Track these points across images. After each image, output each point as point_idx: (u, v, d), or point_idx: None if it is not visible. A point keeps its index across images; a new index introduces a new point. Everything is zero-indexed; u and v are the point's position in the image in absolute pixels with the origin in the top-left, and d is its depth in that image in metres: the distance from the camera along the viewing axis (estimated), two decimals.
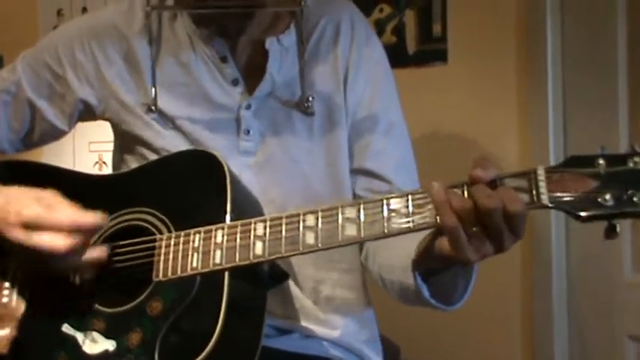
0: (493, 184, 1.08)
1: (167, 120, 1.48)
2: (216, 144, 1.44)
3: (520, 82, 2.57)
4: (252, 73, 1.49)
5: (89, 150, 3.07)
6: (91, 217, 1.25)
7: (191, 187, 1.33)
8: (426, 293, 1.24)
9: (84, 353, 1.27)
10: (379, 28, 2.74)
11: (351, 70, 1.52)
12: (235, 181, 1.31)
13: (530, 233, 2.51)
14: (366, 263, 1.50)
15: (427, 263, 1.21)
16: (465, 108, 2.64)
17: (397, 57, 2.67)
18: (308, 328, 1.48)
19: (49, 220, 1.24)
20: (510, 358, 2.61)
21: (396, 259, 1.32)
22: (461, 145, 2.62)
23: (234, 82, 1.48)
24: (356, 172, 1.51)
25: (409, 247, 1.24)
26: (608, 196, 1.04)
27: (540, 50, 2.52)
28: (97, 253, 1.30)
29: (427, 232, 1.17)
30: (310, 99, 1.47)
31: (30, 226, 1.25)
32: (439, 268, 1.22)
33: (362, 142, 1.51)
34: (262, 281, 1.30)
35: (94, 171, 3.03)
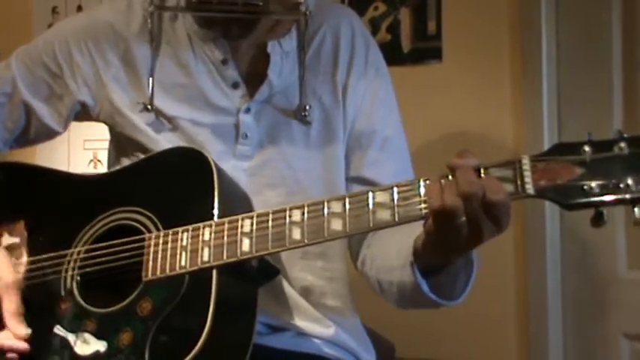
0: (477, 172, 1.08)
1: (164, 121, 1.47)
2: (213, 147, 1.43)
3: (515, 79, 2.58)
4: (253, 76, 1.47)
5: (84, 148, 3.06)
6: (11, 342, 1.30)
7: (178, 184, 1.33)
8: (425, 287, 1.24)
9: (75, 354, 1.27)
10: (374, 26, 2.74)
11: (351, 79, 1.51)
12: (222, 177, 1.30)
13: (524, 229, 2.51)
14: (362, 269, 1.49)
15: (426, 254, 1.20)
16: (460, 105, 2.64)
17: (392, 55, 2.67)
18: (301, 326, 1.47)
19: None
20: (505, 356, 2.61)
21: (394, 259, 1.32)
22: (456, 142, 2.62)
23: (235, 85, 1.47)
24: (353, 180, 1.51)
25: (408, 246, 1.24)
26: (594, 184, 1.03)
27: (535, 47, 2.53)
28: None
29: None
30: (308, 107, 1.46)
31: None
32: (438, 264, 1.22)
33: (360, 152, 1.50)
34: (251, 278, 1.29)
35: (89, 169, 3.04)
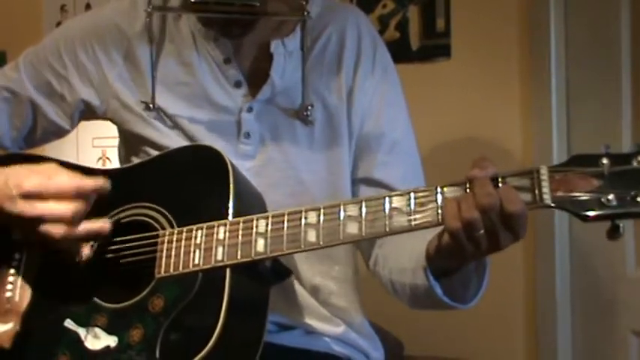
0: (495, 181, 1.08)
1: (167, 119, 1.48)
2: (215, 146, 1.41)
3: (523, 77, 2.57)
4: (256, 75, 1.47)
5: (93, 145, 3.06)
6: (92, 181, 1.27)
7: (194, 182, 1.33)
8: (438, 291, 1.24)
9: (86, 349, 1.27)
10: (382, 23, 2.74)
11: (358, 80, 1.50)
12: (238, 177, 1.30)
13: (533, 229, 2.50)
14: (374, 269, 1.49)
15: (439, 259, 1.21)
16: (468, 103, 2.64)
17: (401, 52, 2.67)
18: (311, 324, 1.48)
19: (52, 187, 1.25)
20: (513, 354, 2.61)
21: (407, 261, 1.32)
22: (464, 140, 2.62)
23: (237, 84, 1.47)
24: (361, 181, 1.50)
25: (420, 248, 1.24)
26: (611, 196, 1.03)
27: (543, 45, 2.52)
28: (99, 224, 1.30)
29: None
30: (310, 107, 1.46)
31: (32, 196, 1.25)
32: (451, 268, 1.22)
33: (369, 154, 1.50)
34: (264, 278, 1.29)
35: (98, 166, 3.03)
